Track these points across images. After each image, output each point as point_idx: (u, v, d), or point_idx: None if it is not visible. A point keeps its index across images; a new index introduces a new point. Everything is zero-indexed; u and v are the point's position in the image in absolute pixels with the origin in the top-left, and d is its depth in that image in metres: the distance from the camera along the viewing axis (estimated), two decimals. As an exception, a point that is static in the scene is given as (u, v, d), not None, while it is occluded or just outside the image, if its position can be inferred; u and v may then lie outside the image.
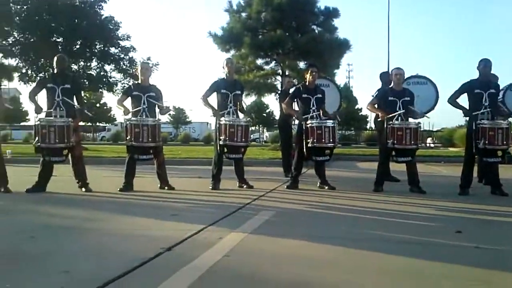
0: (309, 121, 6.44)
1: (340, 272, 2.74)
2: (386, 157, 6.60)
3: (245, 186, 6.63)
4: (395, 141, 6.24)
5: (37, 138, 5.85)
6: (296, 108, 6.83)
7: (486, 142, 5.91)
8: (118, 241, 3.45)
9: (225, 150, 6.43)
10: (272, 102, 58.29)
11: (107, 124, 53.60)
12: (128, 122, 6.16)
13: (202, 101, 6.62)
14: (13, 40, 19.44)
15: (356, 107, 50.09)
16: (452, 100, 6.26)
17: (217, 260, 2.87)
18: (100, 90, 21.83)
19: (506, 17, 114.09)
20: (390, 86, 6.67)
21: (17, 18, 18.98)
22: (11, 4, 18.83)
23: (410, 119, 6.56)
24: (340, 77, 75.46)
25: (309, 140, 6.34)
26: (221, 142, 6.36)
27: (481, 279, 2.60)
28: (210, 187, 6.49)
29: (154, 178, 6.62)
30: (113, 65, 20.42)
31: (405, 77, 7.04)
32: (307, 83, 6.72)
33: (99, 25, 19.33)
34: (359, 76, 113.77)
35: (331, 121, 6.52)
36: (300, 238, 3.57)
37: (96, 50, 19.99)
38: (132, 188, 6.25)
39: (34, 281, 2.48)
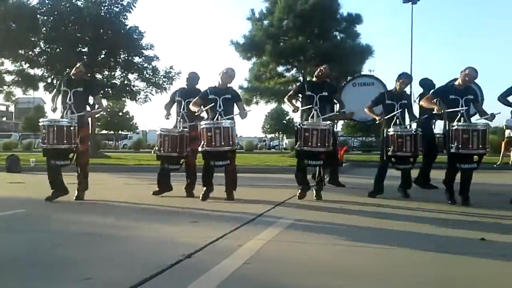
0: (391, 129, 6.29)
1: (365, 281, 2.69)
2: (452, 164, 5.89)
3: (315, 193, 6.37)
4: (460, 145, 5.61)
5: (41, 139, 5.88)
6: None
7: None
8: (139, 248, 3.47)
9: (306, 156, 6.14)
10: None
11: (129, 132, 54.36)
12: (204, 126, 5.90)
13: (286, 100, 6.61)
14: (39, 50, 19.92)
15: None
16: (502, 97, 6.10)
17: (238, 267, 2.86)
18: (123, 98, 22.18)
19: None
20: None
21: (44, 28, 19.46)
22: (38, 15, 19.32)
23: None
24: (362, 84, 74.70)
25: (389, 148, 6.25)
26: (296, 147, 6.15)
27: None
28: (298, 196, 6.29)
29: (178, 185, 6.64)
30: (137, 74, 20.76)
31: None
32: (393, 90, 6.66)
33: (124, 35, 19.66)
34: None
35: (413, 129, 6.37)
36: (320, 245, 3.53)
37: (120, 60, 20.33)
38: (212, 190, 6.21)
39: (55, 288, 2.48)
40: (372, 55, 17.60)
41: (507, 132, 13.99)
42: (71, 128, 5.79)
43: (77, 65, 6.37)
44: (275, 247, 3.49)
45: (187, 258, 3.03)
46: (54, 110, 6.12)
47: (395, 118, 6.35)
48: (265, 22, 18.74)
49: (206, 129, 5.82)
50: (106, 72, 20.69)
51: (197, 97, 6.27)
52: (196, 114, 6.21)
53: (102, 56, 19.97)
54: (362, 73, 18.06)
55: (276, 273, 2.81)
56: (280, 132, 55.13)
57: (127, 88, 20.75)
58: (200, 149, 5.95)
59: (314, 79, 6.63)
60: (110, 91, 20.15)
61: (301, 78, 18.41)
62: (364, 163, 15.76)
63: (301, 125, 6.05)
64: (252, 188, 6.78)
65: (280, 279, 2.71)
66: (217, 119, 5.93)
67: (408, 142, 6.21)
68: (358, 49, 17.48)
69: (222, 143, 5.79)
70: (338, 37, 18.62)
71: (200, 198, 6.06)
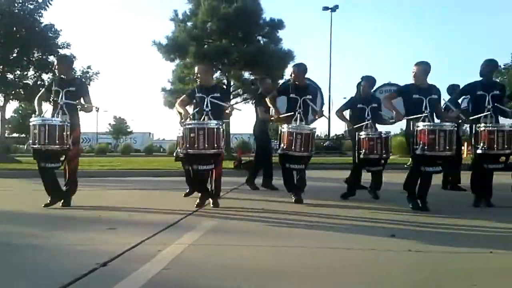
0: (362, 132, 6.34)
1: (289, 281, 2.73)
2: (416, 167, 5.56)
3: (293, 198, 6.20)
4: (426, 147, 5.31)
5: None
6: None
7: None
8: (51, 258, 3.28)
9: (288, 159, 6.00)
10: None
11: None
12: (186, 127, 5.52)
13: (268, 102, 6.44)
14: None
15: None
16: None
17: (155, 273, 2.80)
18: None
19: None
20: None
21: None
22: None
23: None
24: (286, 88, 76.29)
25: (361, 151, 6.28)
26: (279, 151, 5.99)
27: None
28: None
29: (93, 191, 6.38)
30: (51, 74, 19.70)
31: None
32: (361, 93, 6.67)
33: (39, 33, 18.63)
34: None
35: (383, 132, 6.44)
36: (243, 248, 3.55)
37: (33, 59, 19.21)
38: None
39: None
40: (293, 60, 18.05)
41: None
42: (64, 128, 5.49)
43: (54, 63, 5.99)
44: (196, 251, 3.46)
45: (102, 267, 2.91)
46: (38, 115, 5.75)
47: (366, 121, 6.41)
48: (189, 23, 18.59)
49: (189, 130, 5.42)
50: (18, 72, 19.41)
51: (184, 95, 6.04)
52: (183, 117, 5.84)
53: (15, 54, 18.79)
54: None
55: (196, 277, 2.79)
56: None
57: (41, 89, 19.64)
58: (182, 151, 5.61)
59: (297, 82, 6.38)
60: (22, 92, 18.95)
61: (225, 81, 18.46)
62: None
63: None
64: (174, 191, 6.68)
65: (200, 282, 2.69)
66: (204, 119, 5.60)
67: (379, 144, 6.31)
68: (280, 53, 17.87)
69: (206, 146, 5.36)
70: (261, 42, 18.92)
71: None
